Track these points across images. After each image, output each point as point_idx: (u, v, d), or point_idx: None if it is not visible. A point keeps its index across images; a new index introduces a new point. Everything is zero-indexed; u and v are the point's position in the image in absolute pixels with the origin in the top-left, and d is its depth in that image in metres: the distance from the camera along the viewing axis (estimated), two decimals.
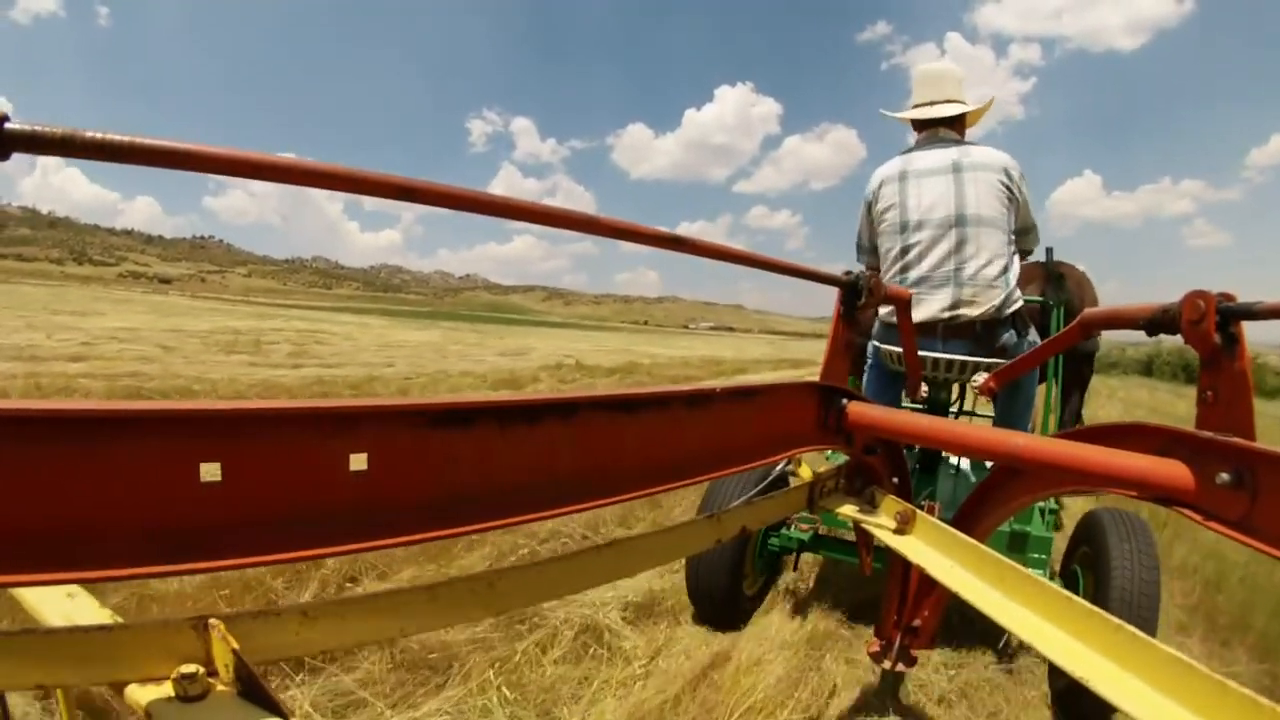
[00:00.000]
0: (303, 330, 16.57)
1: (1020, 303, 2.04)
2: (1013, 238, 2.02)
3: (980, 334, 1.96)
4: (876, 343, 2.15)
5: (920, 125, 2.15)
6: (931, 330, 1.97)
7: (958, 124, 2.14)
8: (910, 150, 2.14)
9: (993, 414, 2.33)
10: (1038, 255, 3.04)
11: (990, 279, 1.94)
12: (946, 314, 1.95)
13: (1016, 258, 2.05)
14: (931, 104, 2.12)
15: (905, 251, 2.03)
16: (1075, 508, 3.23)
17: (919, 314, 1.93)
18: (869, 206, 2.20)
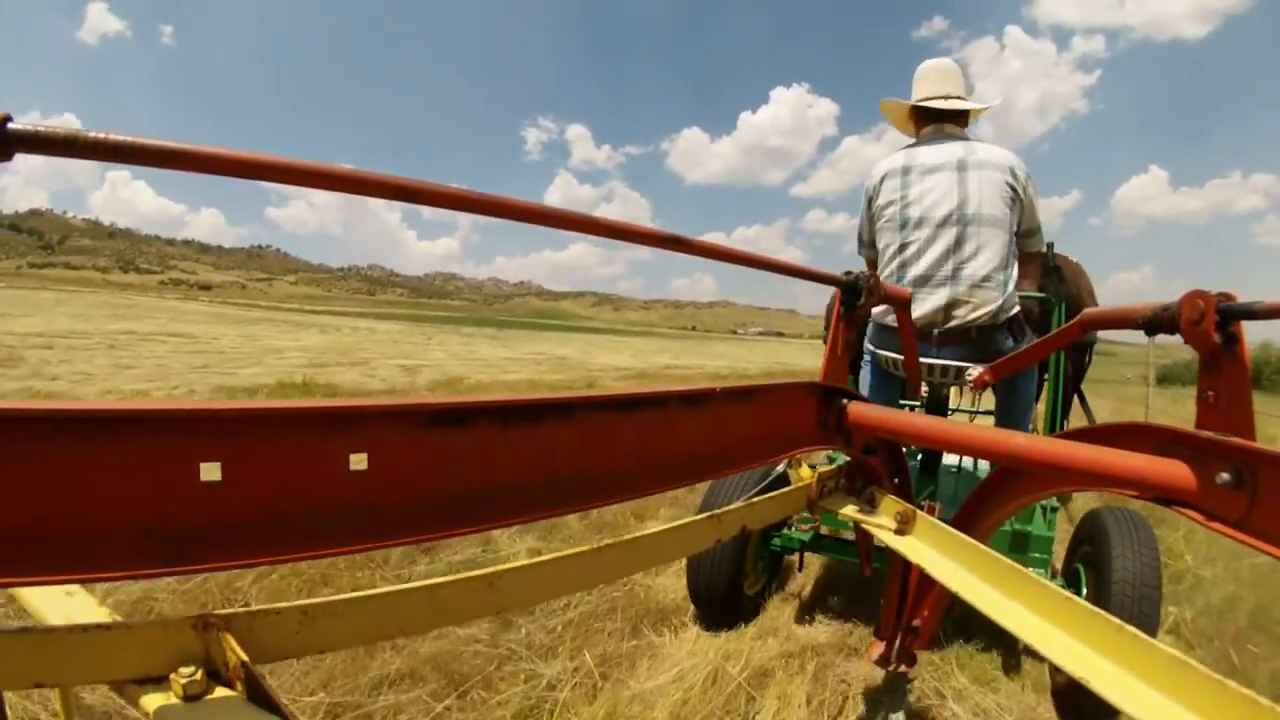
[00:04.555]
0: (181, 335, 14.66)
1: (1017, 308, 2.00)
2: (1014, 239, 1.97)
3: (976, 340, 1.93)
4: (872, 347, 2.13)
5: (927, 118, 2.10)
6: (926, 336, 1.93)
7: (962, 120, 2.09)
8: (914, 145, 2.09)
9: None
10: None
11: (988, 281, 1.90)
12: (942, 314, 1.92)
13: (1016, 260, 2.01)
14: (946, 97, 2.06)
15: (904, 248, 2.00)
16: (1076, 506, 3.23)
17: (915, 313, 1.91)
18: (869, 201, 2.14)
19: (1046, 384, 2.60)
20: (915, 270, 1.97)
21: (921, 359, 1.90)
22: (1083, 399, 3.09)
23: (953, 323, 1.92)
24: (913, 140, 2.14)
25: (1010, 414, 2.13)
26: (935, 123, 2.07)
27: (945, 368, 1.93)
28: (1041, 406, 2.70)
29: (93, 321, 17.08)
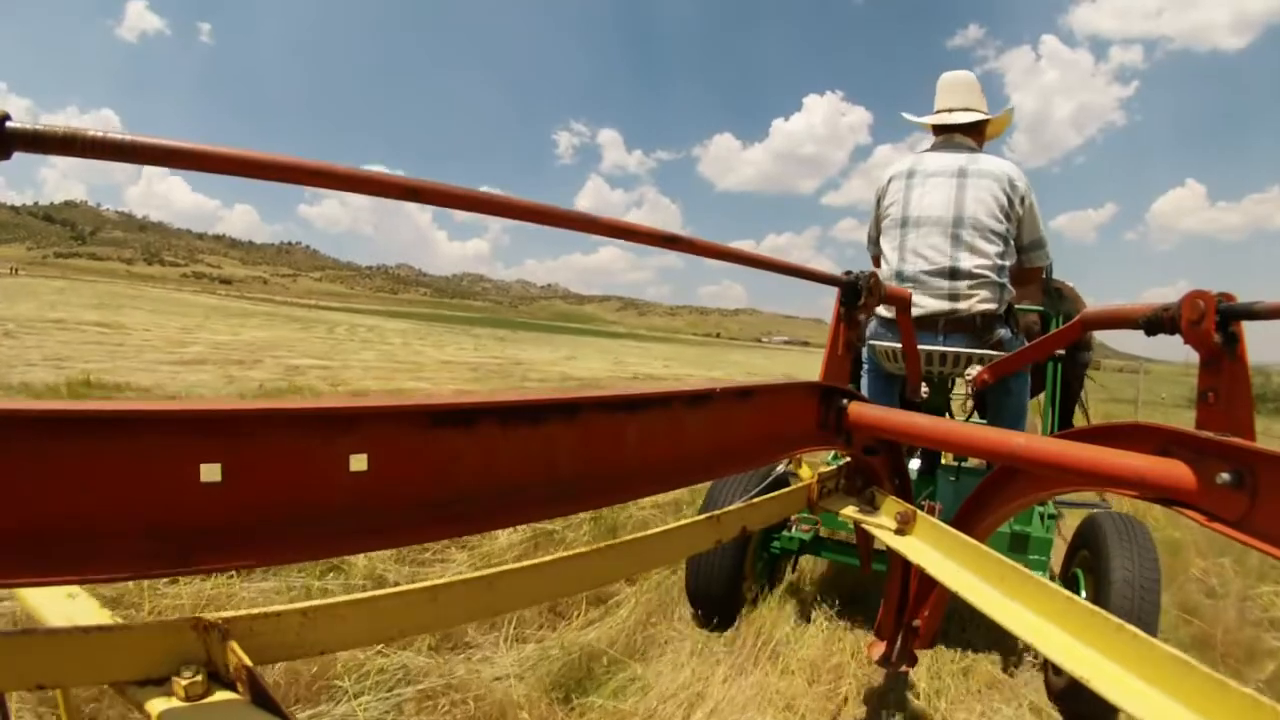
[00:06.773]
0: (103, 324, 13.73)
1: (1011, 300, 2.09)
2: (1011, 245, 2.07)
3: (979, 328, 2.02)
4: (873, 341, 2.15)
5: (938, 130, 2.21)
6: (931, 325, 2.02)
7: (975, 132, 2.19)
8: (925, 151, 2.20)
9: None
10: None
11: (983, 282, 1.99)
12: (946, 307, 2.00)
13: (1011, 268, 2.09)
14: (950, 110, 2.18)
15: (903, 247, 2.09)
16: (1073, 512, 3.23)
17: (915, 311, 1.97)
18: (878, 200, 2.25)
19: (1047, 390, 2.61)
20: (914, 268, 2.06)
21: (928, 346, 1.97)
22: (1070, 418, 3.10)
23: (956, 314, 2.01)
24: (927, 148, 2.24)
25: (1001, 419, 2.16)
26: (946, 133, 2.19)
27: (945, 355, 1.98)
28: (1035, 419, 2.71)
29: (60, 309, 16.64)
